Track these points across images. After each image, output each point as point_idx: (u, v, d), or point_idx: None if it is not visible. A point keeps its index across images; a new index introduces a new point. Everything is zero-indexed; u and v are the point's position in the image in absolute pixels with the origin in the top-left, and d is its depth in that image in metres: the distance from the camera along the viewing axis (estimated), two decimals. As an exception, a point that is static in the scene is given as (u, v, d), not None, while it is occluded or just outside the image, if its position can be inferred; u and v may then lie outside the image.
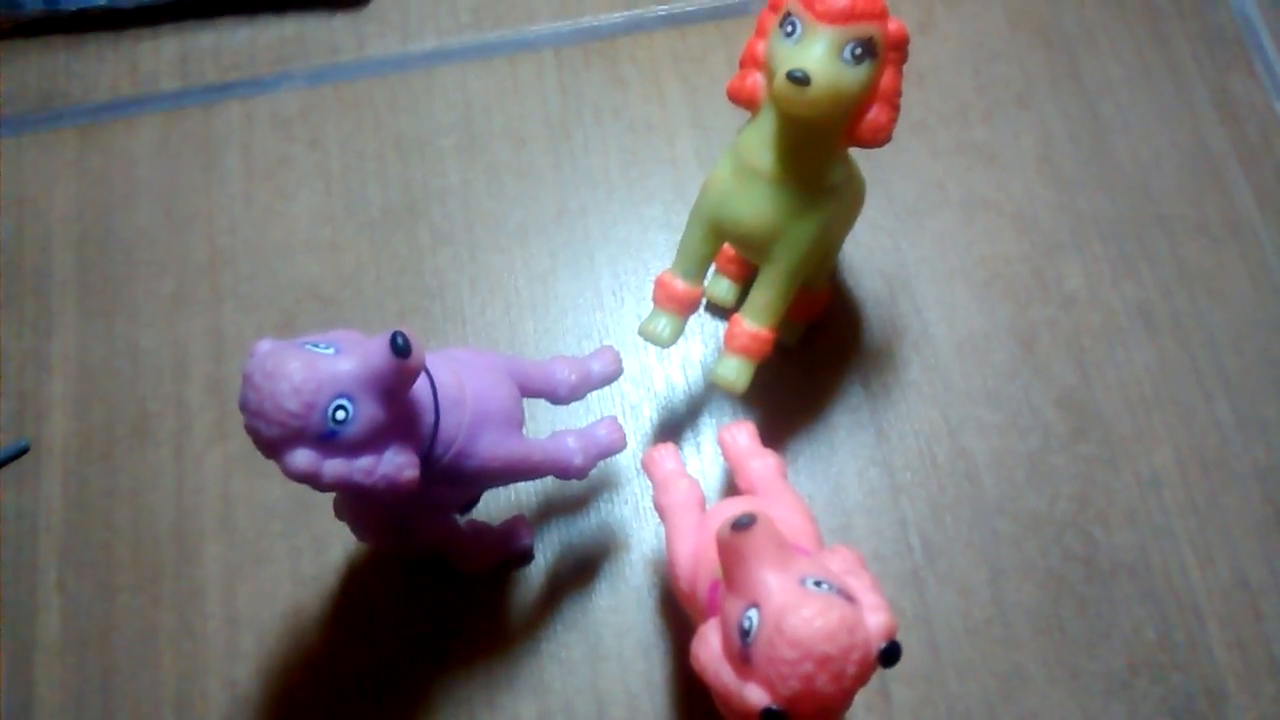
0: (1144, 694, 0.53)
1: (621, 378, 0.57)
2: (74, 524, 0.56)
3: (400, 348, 0.39)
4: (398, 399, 0.40)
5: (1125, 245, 0.61)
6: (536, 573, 0.55)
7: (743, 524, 0.38)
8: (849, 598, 0.38)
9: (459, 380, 0.45)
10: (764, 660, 0.37)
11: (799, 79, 0.43)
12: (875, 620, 0.38)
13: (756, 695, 0.37)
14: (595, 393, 0.57)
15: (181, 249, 0.62)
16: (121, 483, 0.57)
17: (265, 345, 0.40)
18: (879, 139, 0.47)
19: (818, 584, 0.38)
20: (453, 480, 0.45)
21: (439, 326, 0.59)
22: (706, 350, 0.59)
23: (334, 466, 0.40)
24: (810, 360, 0.59)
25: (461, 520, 0.53)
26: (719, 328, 0.59)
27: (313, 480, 0.39)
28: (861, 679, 0.38)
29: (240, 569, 0.55)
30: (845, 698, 0.37)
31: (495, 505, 0.56)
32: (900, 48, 0.46)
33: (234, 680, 0.53)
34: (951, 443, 0.57)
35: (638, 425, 0.58)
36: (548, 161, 0.63)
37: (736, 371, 0.50)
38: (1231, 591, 0.54)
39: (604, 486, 0.57)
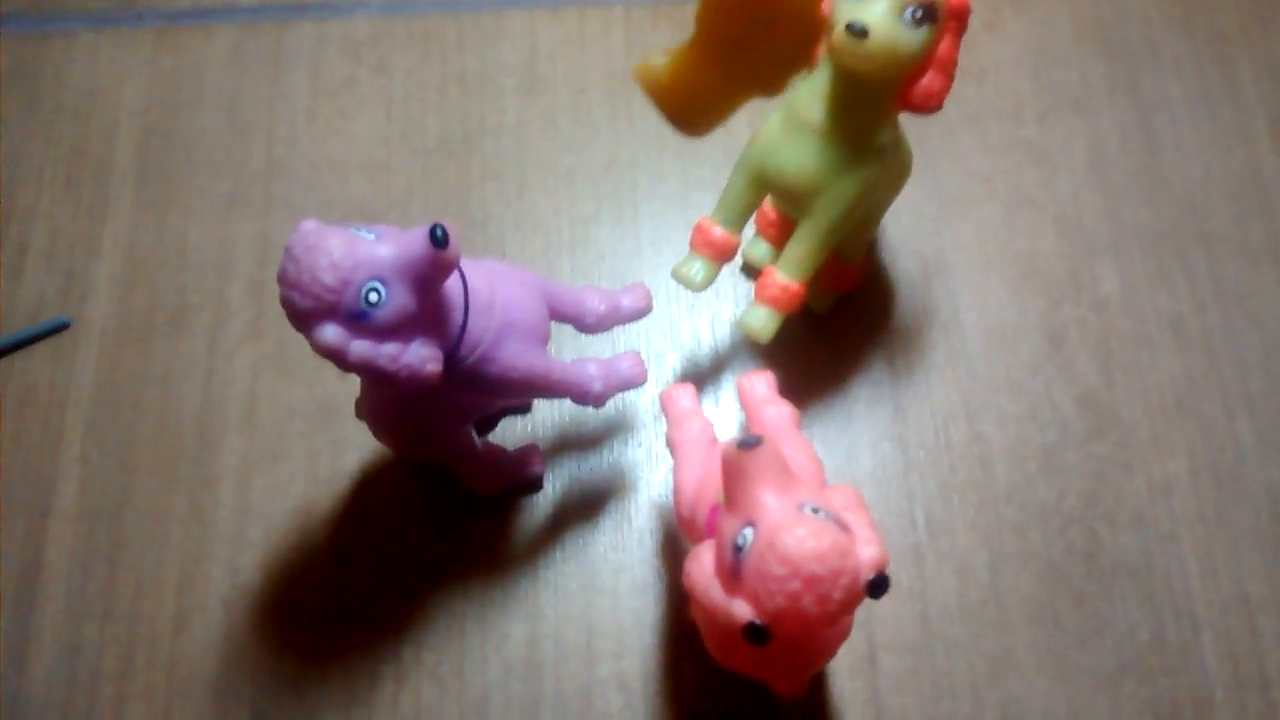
0: (1130, 694, 0.53)
1: (649, 327, 0.58)
2: (103, 401, 0.58)
3: (439, 239, 0.40)
4: (430, 291, 0.42)
5: (1164, 257, 0.61)
6: (544, 502, 0.56)
7: (749, 444, 0.39)
8: (844, 528, 0.39)
9: (491, 288, 0.46)
10: (753, 575, 0.38)
11: (858, 31, 0.44)
12: (867, 551, 0.39)
13: (742, 609, 0.38)
14: (622, 335, 0.58)
15: (240, 155, 0.63)
16: (153, 368, 0.59)
17: (310, 224, 0.41)
18: (930, 105, 0.47)
19: (815, 511, 0.39)
20: (473, 385, 0.46)
21: (478, 257, 0.60)
22: (737, 310, 0.60)
23: (360, 346, 0.41)
24: (839, 331, 0.59)
25: (478, 442, 0.53)
26: (752, 291, 0.60)
27: (339, 357, 0.40)
28: (847, 606, 0.38)
29: (257, 463, 0.57)
30: (828, 622, 0.38)
31: (511, 433, 0.57)
32: (961, 17, 0.47)
33: (237, 567, 0.55)
34: (968, 427, 0.57)
35: (660, 374, 0.58)
36: (604, 112, 0.64)
37: (763, 320, 0.51)
38: (1230, 604, 0.54)
39: (619, 428, 0.57)
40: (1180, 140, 0.64)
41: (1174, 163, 0.63)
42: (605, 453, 0.57)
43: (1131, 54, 0.66)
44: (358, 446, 0.57)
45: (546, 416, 0.58)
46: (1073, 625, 0.54)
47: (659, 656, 0.53)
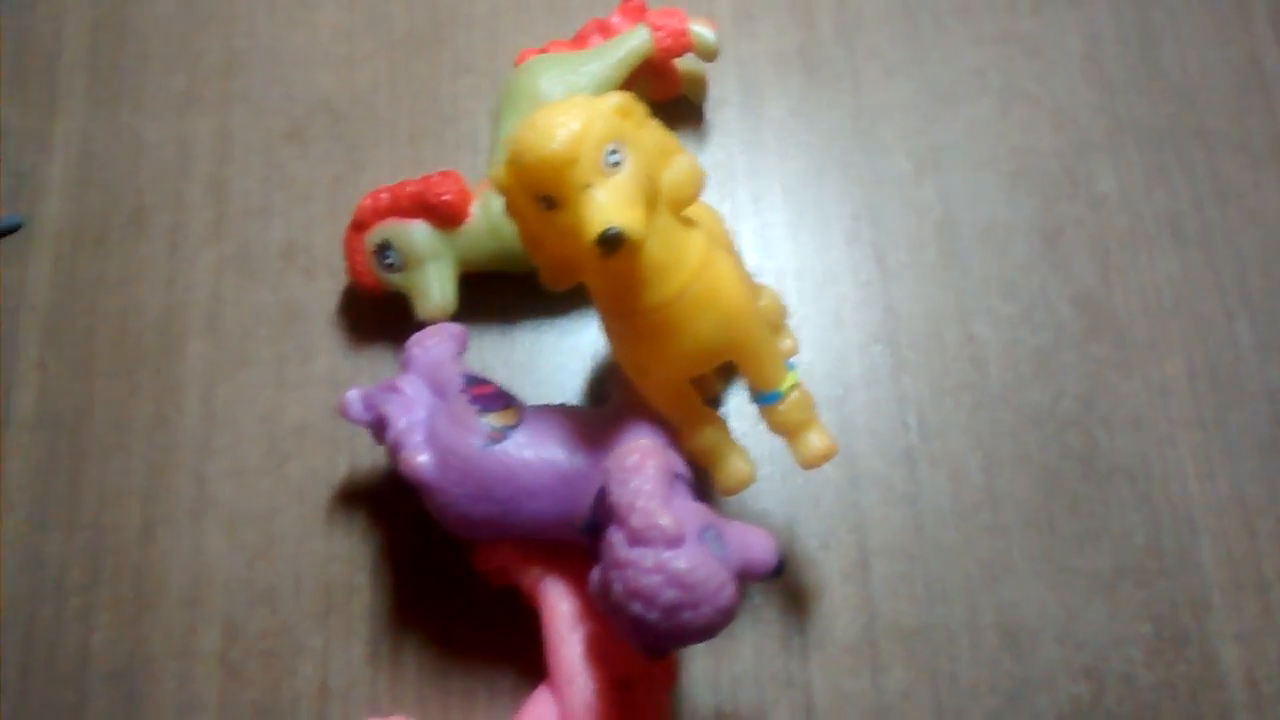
0: (1128, 597, 0.52)
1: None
2: (60, 305, 0.55)
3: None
4: None
5: (1162, 153, 0.59)
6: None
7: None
8: None
9: None
10: None
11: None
12: None
13: None
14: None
15: (197, 47, 0.60)
16: (111, 271, 0.56)
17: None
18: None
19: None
20: None
21: (451, 153, 0.58)
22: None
23: None
24: (826, 233, 0.57)
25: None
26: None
27: None
28: None
29: (222, 369, 0.54)
30: None
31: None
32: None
33: (203, 476, 0.52)
34: (961, 328, 0.55)
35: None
36: (581, 2, 0.61)
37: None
38: (1228, 507, 0.53)
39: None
40: (1179, 32, 0.61)
41: (1172, 56, 0.61)
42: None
43: (1129, -57, 0.63)
44: (327, 351, 0.54)
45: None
46: (1069, 529, 0.53)
47: None
